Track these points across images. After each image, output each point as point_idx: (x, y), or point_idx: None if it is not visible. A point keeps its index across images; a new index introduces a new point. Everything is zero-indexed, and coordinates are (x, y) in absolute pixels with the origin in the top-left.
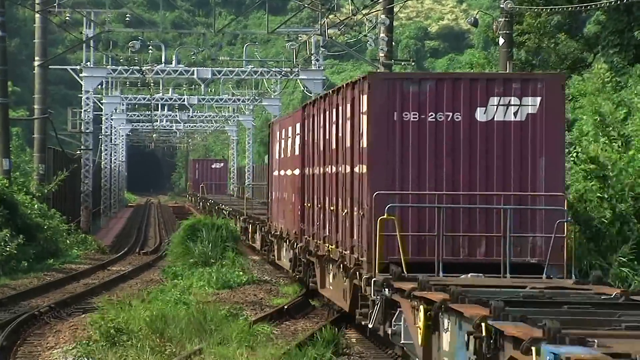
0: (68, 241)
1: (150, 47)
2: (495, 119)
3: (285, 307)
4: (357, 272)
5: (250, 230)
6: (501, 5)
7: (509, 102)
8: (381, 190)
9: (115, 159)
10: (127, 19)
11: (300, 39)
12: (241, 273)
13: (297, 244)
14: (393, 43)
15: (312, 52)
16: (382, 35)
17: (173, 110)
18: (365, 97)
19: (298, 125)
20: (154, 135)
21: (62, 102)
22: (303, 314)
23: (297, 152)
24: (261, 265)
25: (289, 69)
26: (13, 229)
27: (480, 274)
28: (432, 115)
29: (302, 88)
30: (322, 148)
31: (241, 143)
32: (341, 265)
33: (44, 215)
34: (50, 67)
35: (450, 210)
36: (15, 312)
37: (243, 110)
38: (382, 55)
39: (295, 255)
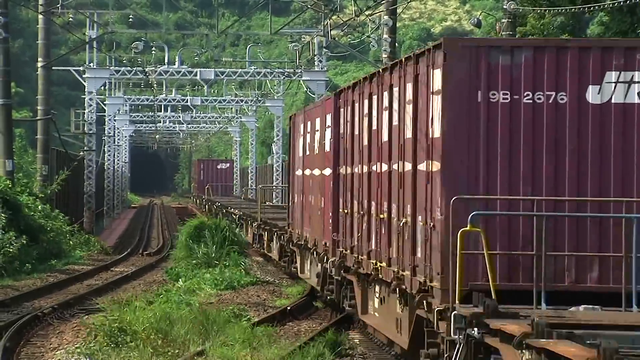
0: (71, 242)
1: (154, 48)
2: (612, 101)
3: (289, 308)
4: (424, 301)
5: (265, 238)
6: (504, 7)
7: (632, 78)
8: (460, 193)
9: (118, 160)
10: (130, 20)
11: (303, 40)
12: (244, 274)
13: (327, 258)
14: (396, 44)
15: (315, 53)
16: (385, 36)
17: (176, 111)
18: (438, 71)
19: (329, 116)
20: (157, 136)
21: (65, 103)
22: (306, 315)
23: (327, 148)
24: (264, 267)
25: (292, 70)
26: (16, 230)
27: (596, 307)
28: (528, 95)
29: (305, 89)
30: (366, 142)
31: (244, 144)
32: (397, 290)
33: (47, 216)
34: (53, 68)
35: (552, 221)
36: (18, 313)
37: (246, 111)
38: (385, 56)
39: (325, 271)
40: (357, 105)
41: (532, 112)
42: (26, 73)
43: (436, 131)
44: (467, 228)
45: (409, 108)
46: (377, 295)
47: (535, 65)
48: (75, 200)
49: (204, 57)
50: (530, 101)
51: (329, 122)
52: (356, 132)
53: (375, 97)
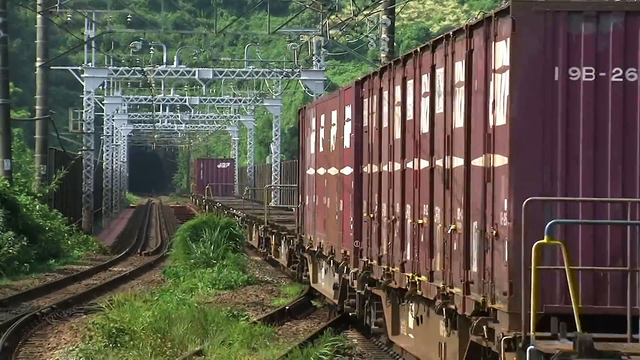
0: (70, 242)
1: (152, 48)
2: None
3: (287, 307)
4: (484, 326)
5: (273, 242)
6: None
7: None
8: (533, 194)
9: (116, 160)
10: (129, 19)
11: (301, 39)
12: (242, 273)
13: (348, 268)
14: (394, 44)
15: (314, 52)
16: (383, 35)
17: (174, 111)
18: (503, 44)
19: (349, 108)
20: (156, 135)
21: (64, 102)
22: (304, 315)
23: (347, 144)
24: (262, 266)
25: (290, 70)
26: (14, 230)
27: None
28: (617, 72)
29: (304, 89)
30: (398, 135)
31: (242, 143)
32: (443, 310)
33: (46, 216)
34: (51, 67)
35: None
36: (16, 313)
37: (244, 110)
38: (384, 56)
39: (345, 283)
40: (385, 93)
41: (623, 92)
42: (24, 73)
43: (499, 118)
44: (544, 241)
45: (460, 91)
46: (413, 314)
47: (627, 35)
48: (74, 200)
49: (202, 56)
50: (621, 79)
51: (348, 114)
52: (385, 125)
53: (410, 82)
